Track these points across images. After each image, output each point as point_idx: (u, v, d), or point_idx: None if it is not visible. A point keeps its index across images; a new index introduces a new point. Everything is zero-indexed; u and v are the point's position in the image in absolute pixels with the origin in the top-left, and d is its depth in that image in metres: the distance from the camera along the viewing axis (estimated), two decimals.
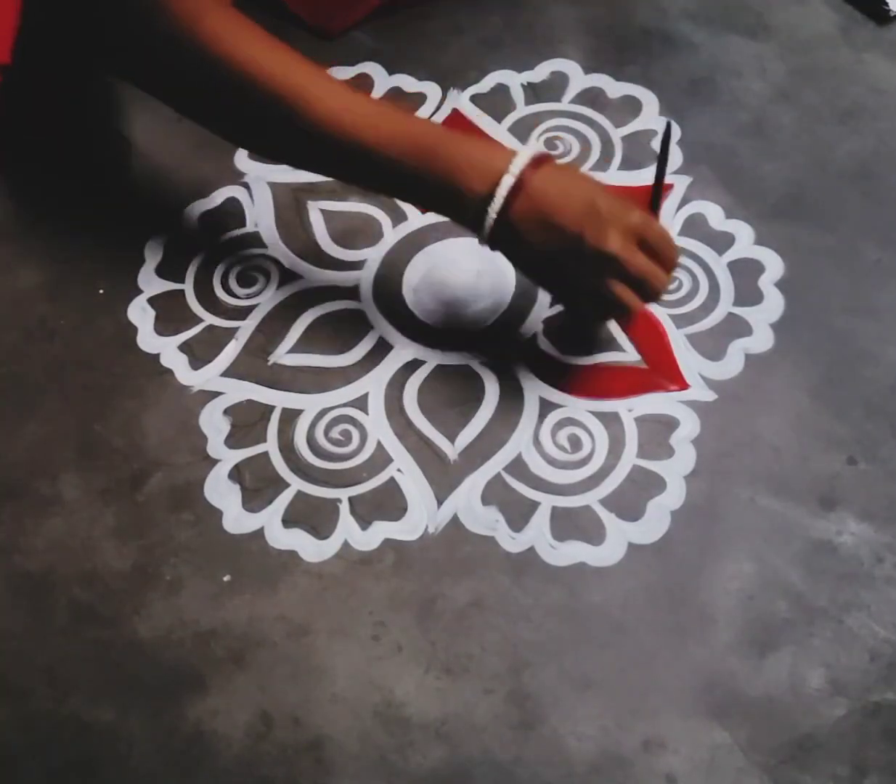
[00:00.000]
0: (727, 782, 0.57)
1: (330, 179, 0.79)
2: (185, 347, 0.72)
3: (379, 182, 0.64)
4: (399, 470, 0.67)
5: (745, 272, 0.73)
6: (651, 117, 0.81)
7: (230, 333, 0.73)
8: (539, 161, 0.59)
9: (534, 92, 0.83)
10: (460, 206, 0.60)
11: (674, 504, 0.65)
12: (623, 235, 0.59)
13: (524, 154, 0.59)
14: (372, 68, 0.85)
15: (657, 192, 0.63)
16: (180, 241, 0.77)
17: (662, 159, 0.62)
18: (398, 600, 0.63)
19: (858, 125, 0.79)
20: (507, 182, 0.58)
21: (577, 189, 0.60)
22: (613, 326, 0.71)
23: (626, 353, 0.70)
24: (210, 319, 0.74)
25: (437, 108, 0.82)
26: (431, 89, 0.83)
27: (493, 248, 0.62)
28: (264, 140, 0.66)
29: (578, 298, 0.64)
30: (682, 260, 0.73)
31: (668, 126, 0.56)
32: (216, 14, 0.62)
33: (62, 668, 0.62)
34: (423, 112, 0.82)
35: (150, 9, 0.60)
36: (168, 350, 0.72)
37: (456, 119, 0.82)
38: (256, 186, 0.79)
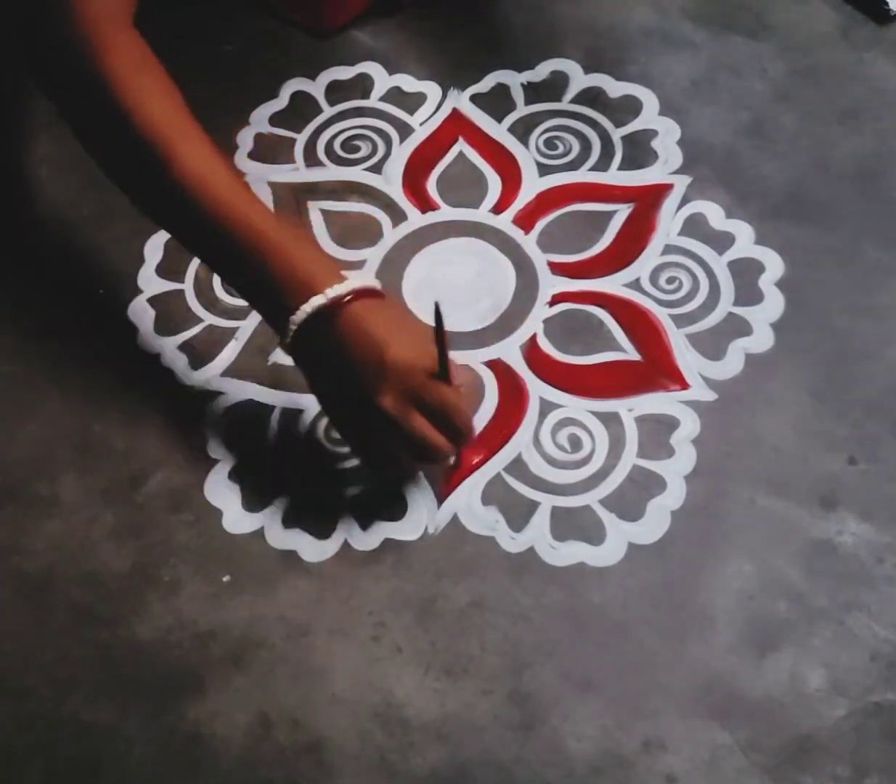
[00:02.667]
0: (727, 782, 0.57)
1: (330, 180, 0.79)
2: (185, 347, 0.72)
3: (208, 251, 0.62)
4: None
5: (746, 272, 0.73)
6: (651, 117, 0.81)
7: (230, 333, 0.73)
8: (362, 293, 0.58)
9: (534, 91, 0.83)
10: (273, 308, 0.59)
11: (674, 504, 0.65)
12: (399, 395, 0.56)
13: (349, 283, 0.58)
14: (372, 68, 0.85)
15: (443, 360, 0.57)
16: None
17: (439, 331, 0.57)
18: (398, 600, 0.63)
19: (859, 125, 0.79)
20: (315, 301, 0.57)
21: (377, 335, 0.57)
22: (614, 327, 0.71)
23: (627, 353, 0.70)
24: (210, 319, 0.74)
25: (437, 108, 0.82)
26: (431, 89, 0.83)
27: (295, 360, 0.61)
28: (126, 182, 0.63)
29: (354, 439, 0.63)
30: (683, 259, 0.73)
31: (438, 307, 0.55)
32: (123, 49, 0.61)
33: (62, 668, 0.62)
34: (424, 112, 0.82)
35: (62, 26, 0.60)
36: (168, 350, 0.72)
37: (456, 119, 0.82)
38: (256, 186, 0.79)
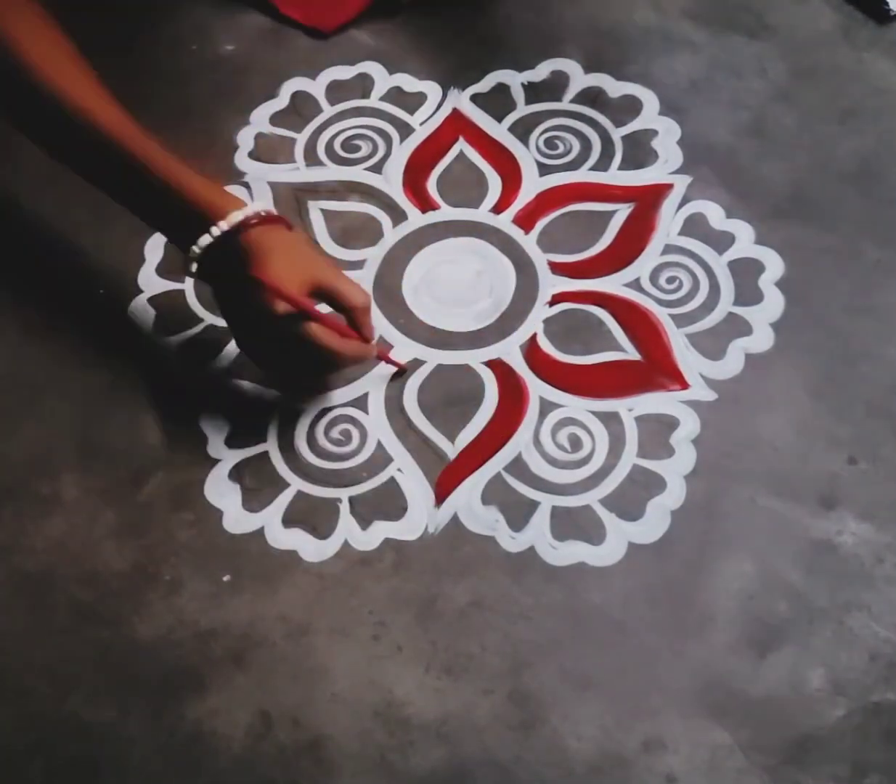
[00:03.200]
0: (727, 782, 0.57)
1: (330, 179, 0.79)
2: (185, 347, 0.72)
3: (112, 184, 0.64)
4: (399, 470, 0.67)
5: (746, 272, 0.73)
6: (651, 117, 0.81)
7: (230, 333, 0.73)
8: (262, 218, 0.61)
9: (534, 91, 0.83)
10: (179, 233, 0.62)
11: (674, 504, 0.65)
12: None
13: (249, 208, 0.61)
14: (372, 68, 0.85)
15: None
16: None
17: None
18: (398, 600, 0.63)
19: (859, 125, 0.79)
20: (220, 226, 0.60)
21: (273, 253, 0.60)
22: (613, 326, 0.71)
23: (627, 353, 0.70)
24: (210, 319, 0.74)
25: (438, 108, 0.82)
26: (432, 89, 0.83)
27: (201, 278, 0.64)
28: (26, 123, 0.66)
29: (262, 358, 0.66)
30: (683, 259, 0.73)
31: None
32: (15, 10, 0.63)
33: (62, 668, 0.62)
34: (424, 112, 0.82)
35: None
36: (168, 350, 0.72)
37: (456, 118, 0.82)
38: (257, 186, 0.79)
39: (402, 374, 0.70)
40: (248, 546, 0.65)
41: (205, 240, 0.61)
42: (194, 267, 0.62)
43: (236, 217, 0.60)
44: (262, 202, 0.63)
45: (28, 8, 0.64)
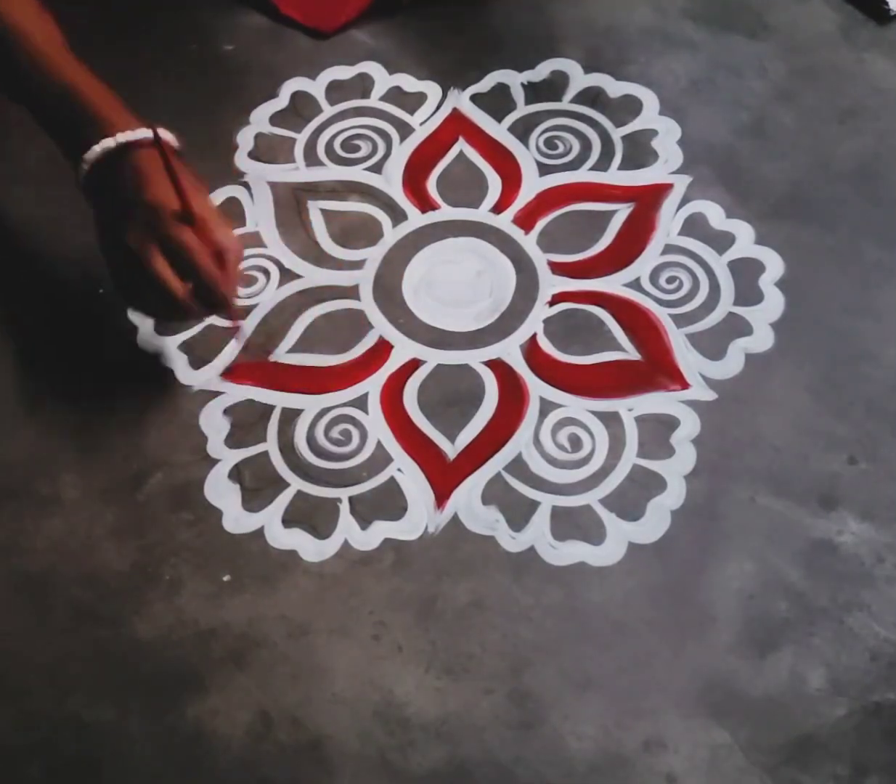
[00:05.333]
0: (727, 782, 0.57)
1: (330, 179, 0.79)
2: (185, 347, 0.72)
3: (21, 90, 0.65)
4: (399, 470, 0.67)
5: (746, 272, 0.73)
6: (651, 117, 0.81)
7: (230, 333, 0.73)
8: (152, 142, 0.62)
9: (534, 91, 0.83)
10: (73, 143, 0.63)
11: (674, 504, 0.65)
12: (143, 232, 0.60)
13: (142, 131, 0.62)
14: (372, 68, 0.85)
15: (184, 201, 0.61)
16: None
17: (169, 169, 0.61)
18: (398, 600, 0.63)
19: (859, 125, 0.79)
20: (108, 142, 0.61)
21: (143, 176, 0.61)
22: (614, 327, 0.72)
23: (627, 353, 0.70)
24: (210, 319, 0.73)
25: (438, 108, 0.82)
26: (432, 89, 0.83)
27: (85, 195, 0.65)
28: None
29: (116, 277, 0.66)
30: (683, 259, 0.73)
31: (156, 133, 0.61)
32: None
33: (62, 668, 0.62)
34: (424, 111, 0.82)
35: None
36: (168, 350, 0.72)
37: (456, 118, 0.82)
38: (256, 186, 0.79)
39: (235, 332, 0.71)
40: (248, 546, 0.65)
41: (101, 146, 0.61)
42: (84, 173, 0.63)
43: (134, 135, 0.62)
44: (162, 130, 0.64)
45: None
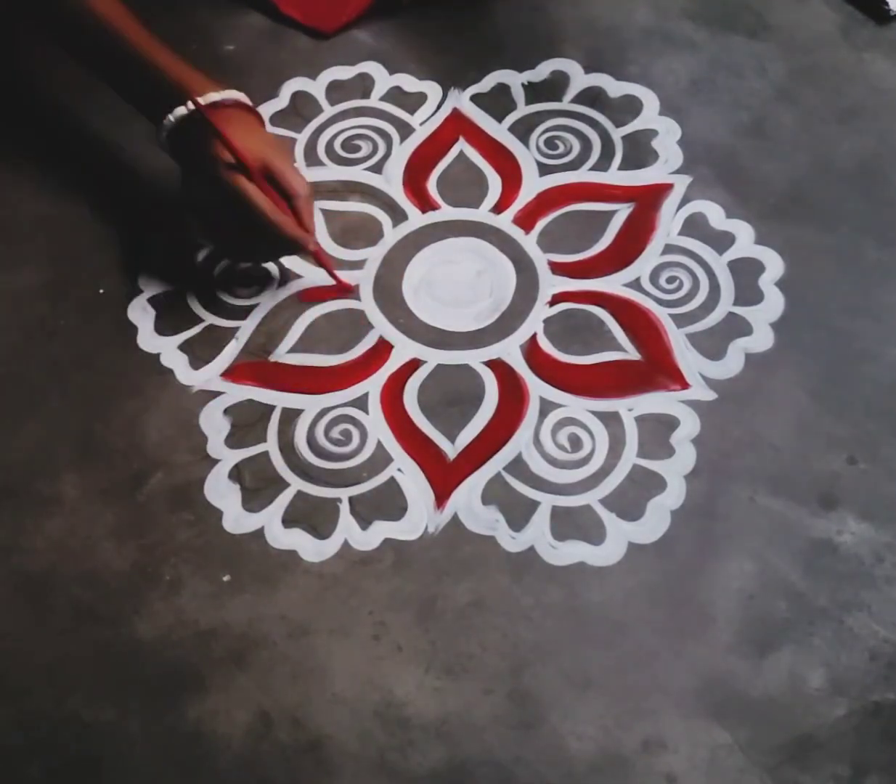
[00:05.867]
0: (727, 782, 0.57)
1: (330, 179, 0.79)
2: (185, 347, 0.72)
3: (105, 66, 0.72)
4: (399, 470, 0.67)
5: (746, 272, 0.73)
6: (651, 117, 0.81)
7: (230, 333, 0.73)
8: (231, 103, 0.69)
9: (534, 91, 0.83)
10: (156, 108, 0.69)
11: (674, 504, 0.65)
12: (230, 172, 0.67)
13: (224, 93, 0.69)
14: (372, 68, 0.85)
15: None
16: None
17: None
18: (398, 600, 0.63)
19: (859, 125, 0.79)
20: (190, 104, 0.68)
21: (230, 133, 0.67)
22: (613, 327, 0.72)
23: (627, 353, 0.70)
24: (210, 319, 0.74)
25: (438, 108, 0.82)
26: (432, 89, 0.83)
27: (172, 154, 0.71)
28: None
29: (215, 232, 0.73)
30: (683, 259, 0.73)
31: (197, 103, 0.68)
32: None
33: (62, 668, 0.62)
34: (424, 112, 0.82)
35: None
36: (168, 350, 0.72)
37: (457, 118, 0.82)
38: None
39: (346, 292, 0.73)
40: (247, 546, 0.65)
41: (180, 111, 0.68)
42: (164, 135, 0.69)
43: (214, 97, 0.68)
44: (238, 92, 0.71)
45: None
